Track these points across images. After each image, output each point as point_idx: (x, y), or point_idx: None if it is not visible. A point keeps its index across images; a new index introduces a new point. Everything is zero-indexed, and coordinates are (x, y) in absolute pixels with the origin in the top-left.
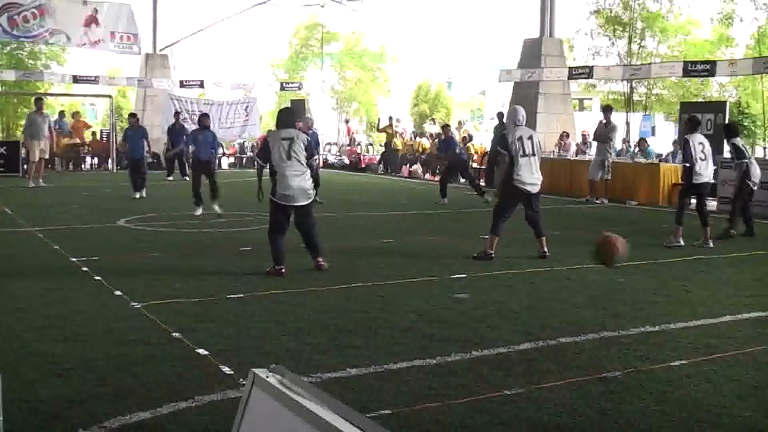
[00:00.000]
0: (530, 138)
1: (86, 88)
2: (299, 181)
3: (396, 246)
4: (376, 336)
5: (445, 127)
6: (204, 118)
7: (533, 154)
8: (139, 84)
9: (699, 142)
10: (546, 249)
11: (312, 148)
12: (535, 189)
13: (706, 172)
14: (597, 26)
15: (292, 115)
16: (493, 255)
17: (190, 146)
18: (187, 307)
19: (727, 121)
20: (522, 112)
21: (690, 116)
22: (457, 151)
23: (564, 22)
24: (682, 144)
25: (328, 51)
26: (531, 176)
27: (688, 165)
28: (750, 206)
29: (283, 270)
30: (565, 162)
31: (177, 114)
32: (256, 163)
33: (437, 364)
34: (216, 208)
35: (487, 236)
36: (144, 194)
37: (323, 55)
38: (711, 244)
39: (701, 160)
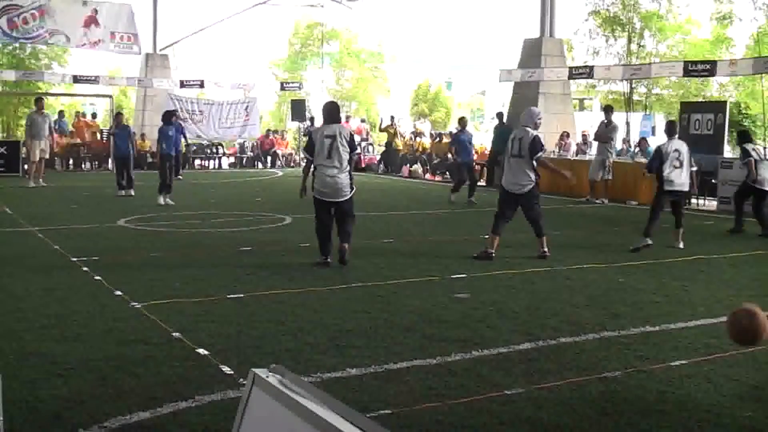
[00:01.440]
0: (520, 139)
1: (86, 88)
2: (335, 179)
3: (396, 246)
4: (376, 336)
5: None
6: (169, 114)
7: (519, 156)
8: (139, 84)
9: (675, 149)
10: (546, 249)
11: (354, 142)
12: (517, 189)
13: (679, 179)
14: (596, 26)
15: (336, 111)
16: (493, 254)
17: (162, 142)
18: (187, 307)
19: (739, 129)
20: (530, 114)
21: (669, 120)
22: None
23: (564, 23)
24: (654, 151)
25: (327, 51)
26: (512, 177)
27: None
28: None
29: (329, 260)
30: (565, 162)
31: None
32: (305, 158)
33: (437, 364)
34: (168, 199)
35: (488, 236)
36: (132, 193)
37: (323, 55)
38: (681, 245)
39: (675, 167)
